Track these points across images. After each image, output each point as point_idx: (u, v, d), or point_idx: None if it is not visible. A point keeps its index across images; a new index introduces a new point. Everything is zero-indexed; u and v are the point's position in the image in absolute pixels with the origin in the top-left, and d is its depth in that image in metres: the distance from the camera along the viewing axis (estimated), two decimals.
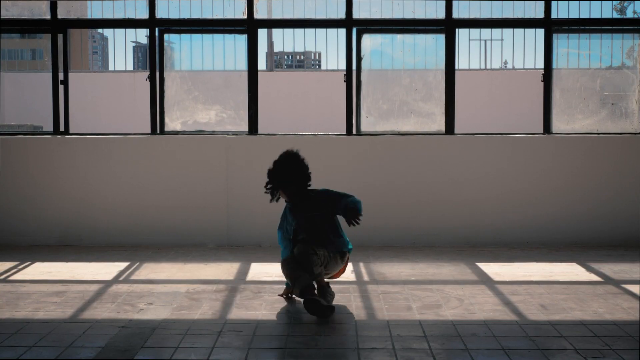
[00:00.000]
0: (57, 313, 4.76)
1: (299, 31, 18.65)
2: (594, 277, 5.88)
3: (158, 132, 7.65)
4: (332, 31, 8.31)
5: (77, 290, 5.42)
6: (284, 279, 5.81)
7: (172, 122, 7.71)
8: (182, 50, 7.89)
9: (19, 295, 5.25)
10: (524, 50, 15.44)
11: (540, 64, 7.79)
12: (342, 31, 7.61)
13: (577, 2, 7.77)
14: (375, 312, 4.79)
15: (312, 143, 7.47)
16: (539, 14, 7.61)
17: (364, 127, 7.60)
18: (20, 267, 6.35)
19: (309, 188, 5.12)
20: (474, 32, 18.35)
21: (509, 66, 19.05)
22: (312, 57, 74.27)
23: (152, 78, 7.65)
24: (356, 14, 7.58)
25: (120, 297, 5.18)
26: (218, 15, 7.65)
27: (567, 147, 7.42)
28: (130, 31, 24.58)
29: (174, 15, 7.67)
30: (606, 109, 7.77)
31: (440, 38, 7.59)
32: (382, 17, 7.63)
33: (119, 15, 7.75)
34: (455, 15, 7.56)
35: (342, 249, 5.04)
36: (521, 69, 16.97)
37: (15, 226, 7.42)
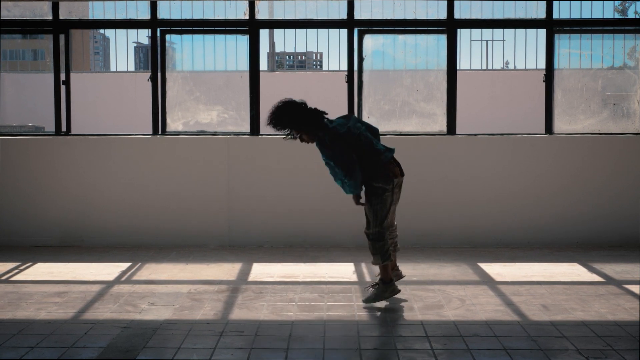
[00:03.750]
0: (59, 313, 4.76)
1: (301, 32, 18.64)
2: (595, 278, 5.88)
3: (160, 132, 7.66)
4: (333, 32, 8.31)
5: (78, 290, 5.42)
6: (284, 279, 5.83)
7: (174, 123, 7.72)
8: (184, 51, 7.90)
9: (21, 296, 5.25)
10: (525, 50, 15.37)
11: (542, 64, 7.79)
12: (344, 32, 7.61)
13: (579, 2, 7.77)
14: (377, 313, 4.79)
15: (314, 143, 7.45)
16: (541, 14, 7.61)
17: None
18: (22, 267, 6.35)
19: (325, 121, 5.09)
20: (476, 32, 18.28)
21: (511, 66, 19.04)
22: (314, 58, 74.38)
23: (153, 78, 7.66)
24: (357, 15, 7.58)
25: (122, 298, 5.19)
26: (219, 16, 7.66)
27: (569, 148, 7.41)
28: (132, 32, 24.58)
29: (175, 16, 7.67)
30: (608, 109, 7.77)
31: (442, 38, 7.59)
32: (384, 18, 7.63)
33: (120, 15, 7.75)
34: (456, 15, 7.56)
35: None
36: (523, 70, 16.93)
37: (17, 227, 7.43)
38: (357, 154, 4.93)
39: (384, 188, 4.96)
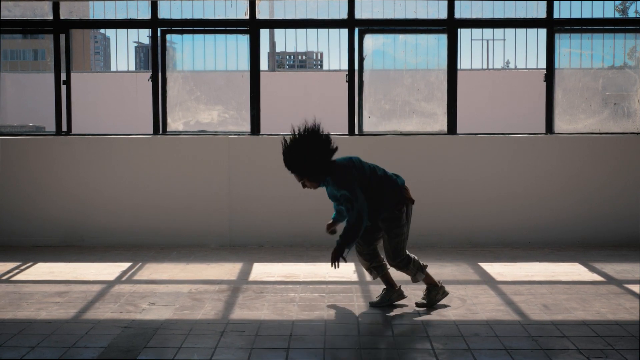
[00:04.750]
0: (59, 313, 4.76)
1: (301, 31, 18.63)
2: (596, 277, 5.87)
3: (160, 132, 7.66)
4: (334, 31, 8.34)
5: (79, 290, 5.42)
6: (285, 279, 5.84)
7: (174, 123, 7.72)
8: (184, 51, 7.90)
9: (22, 296, 5.25)
10: (526, 50, 15.40)
11: (543, 64, 7.79)
12: (344, 31, 7.61)
13: (579, 2, 7.78)
14: (378, 312, 4.79)
15: None
16: (541, 14, 7.61)
17: (366, 127, 7.61)
18: (22, 267, 6.35)
19: (331, 161, 4.71)
20: (476, 32, 18.33)
21: (511, 66, 19.07)
22: (314, 57, 74.38)
23: (154, 78, 7.66)
24: (358, 14, 7.58)
25: (123, 298, 5.19)
26: (220, 15, 7.66)
27: (570, 147, 7.41)
28: (132, 32, 24.61)
29: (176, 15, 7.68)
30: (608, 109, 7.77)
31: (442, 38, 7.59)
32: (384, 18, 7.63)
33: (121, 15, 7.76)
34: (457, 15, 7.56)
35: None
36: (523, 69, 16.95)
37: (17, 227, 7.43)
38: (372, 185, 4.72)
39: (401, 216, 4.81)
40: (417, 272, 4.91)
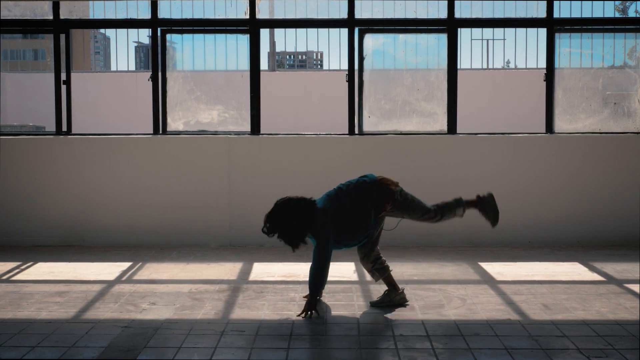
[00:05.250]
0: (59, 313, 4.76)
1: (301, 31, 18.59)
2: (596, 277, 5.87)
3: (160, 132, 7.66)
4: (334, 31, 8.34)
5: (79, 290, 5.42)
6: (285, 279, 5.85)
7: (175, 122, 7.72)
8: (185, 51, 7.90)
9: (22, 296, 5.25)
10: (526, 49, 15.40)
11: (543, 63, 7.80)
12: (344, 31, 7.61)
13: (579, 2, 7.77)
14: (378, 312, 4.79)
15: (315, 143, 7.47)
16: (541, 13, 7.61)
17: (366, 127, 7.61)
18: (23, 267, 6.35)
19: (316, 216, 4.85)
20: (476, 31, 18.26)
21: (511, 66, 19.03)
22: (314, 57, 74.29)
23: (154, 78, 7.66)
24: (358, 14, 7.58)
25: (123, 297, 5.19)
26: (220, 15, 7.66)
27: (570, 147, 7.41)
28: (133, 31, 24.59)
29: (176, 15, 7.68)
30: (608, 109, 7.77)
31: (443, 38, 7.59)
32: (384, 17, 7.63)
33: (121, 15, 7.76)
34: (457, 14, 7.56)
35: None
36: (523, 69, 16.92)
37: (17, 226, 7.43)
38: (347, 200, 4.88)
39: (399, 200, 4.96)
40: (456, 209, 5.14)
